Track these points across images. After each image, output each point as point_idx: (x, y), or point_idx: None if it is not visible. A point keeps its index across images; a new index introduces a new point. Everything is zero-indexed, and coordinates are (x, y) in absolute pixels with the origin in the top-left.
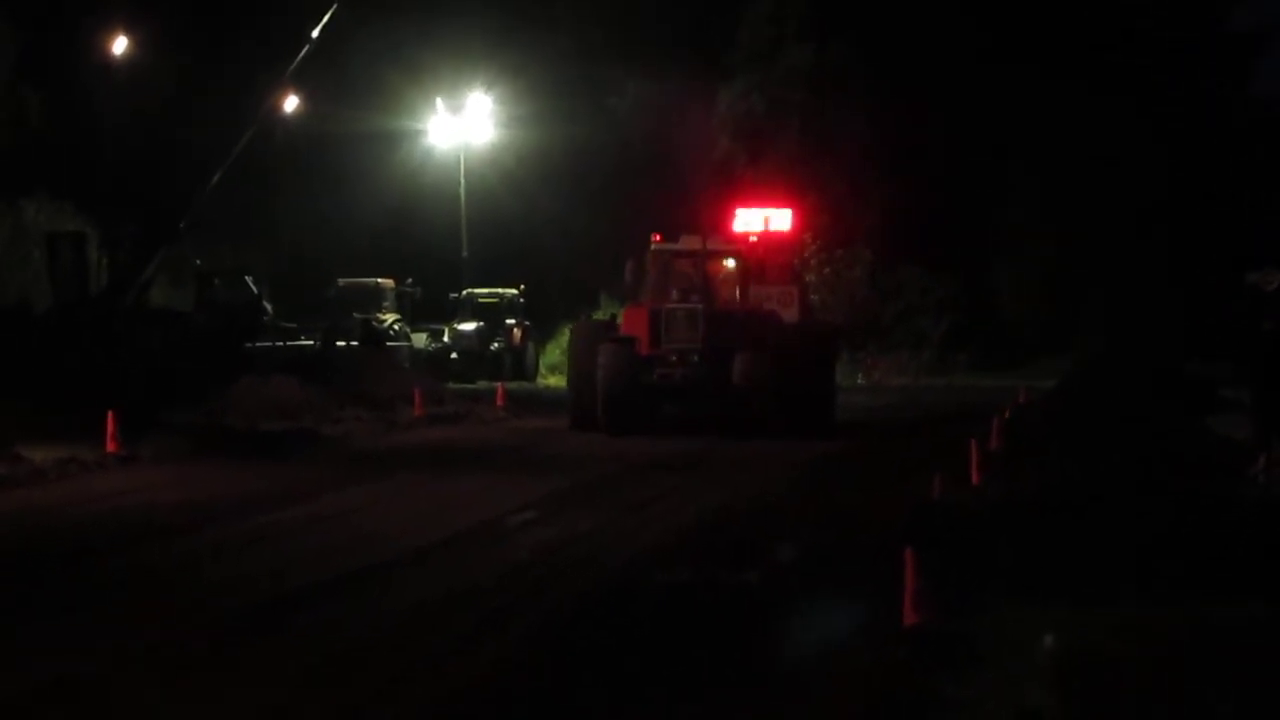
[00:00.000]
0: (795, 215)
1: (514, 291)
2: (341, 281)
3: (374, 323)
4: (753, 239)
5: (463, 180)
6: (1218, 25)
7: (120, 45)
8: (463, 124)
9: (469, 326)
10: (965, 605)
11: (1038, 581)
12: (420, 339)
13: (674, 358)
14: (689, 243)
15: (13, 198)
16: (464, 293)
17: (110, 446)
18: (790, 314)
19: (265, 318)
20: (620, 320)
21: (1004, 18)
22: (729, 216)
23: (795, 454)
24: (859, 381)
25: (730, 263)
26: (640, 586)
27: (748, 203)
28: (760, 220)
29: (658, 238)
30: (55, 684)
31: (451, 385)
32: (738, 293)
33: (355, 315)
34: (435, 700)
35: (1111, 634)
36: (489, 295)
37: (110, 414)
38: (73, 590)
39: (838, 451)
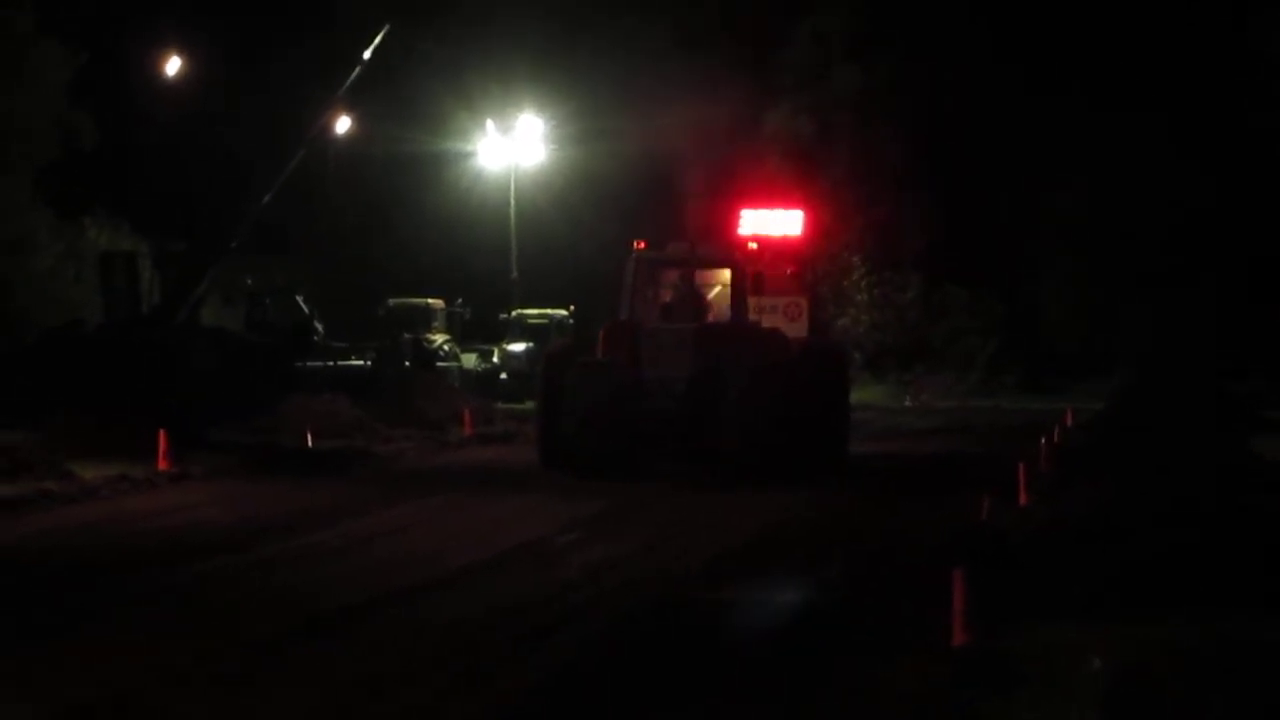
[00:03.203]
0: (807, 218)
1: (563, 312)
2: (392, 301)
3: (424, 343)
4: (752, 245)
5: (513, 201)
6: (1260, 47)
7: (173, 66)
8: (513, 145)
9: (518, 347)
10: (1012, 625)
11: (1084, 602)
12: (470, 359)
13: (656, 386)
14: (676, 250)
15: (68, 216)
16: (513, 313)
17: (161, 464)
18: (798, 329)
19: (316, 337)
20: (599, 341)
21: (1048, 39)
22: (733, 219)
23: (835, 476)
24: (906, 403)
25: (726, 272)
26: (685, 606)
27: (754, 203)
28: (767, 223)
29: (641, 244)
30: (98, 700)
31: (501, 405)
32: (733, 307)
33: (405, 335)
34: (476, 716)
35: (1157, 654)
36: (538, 316)
37: (161, 432)
38: (119, 607)
39: (885, 472)
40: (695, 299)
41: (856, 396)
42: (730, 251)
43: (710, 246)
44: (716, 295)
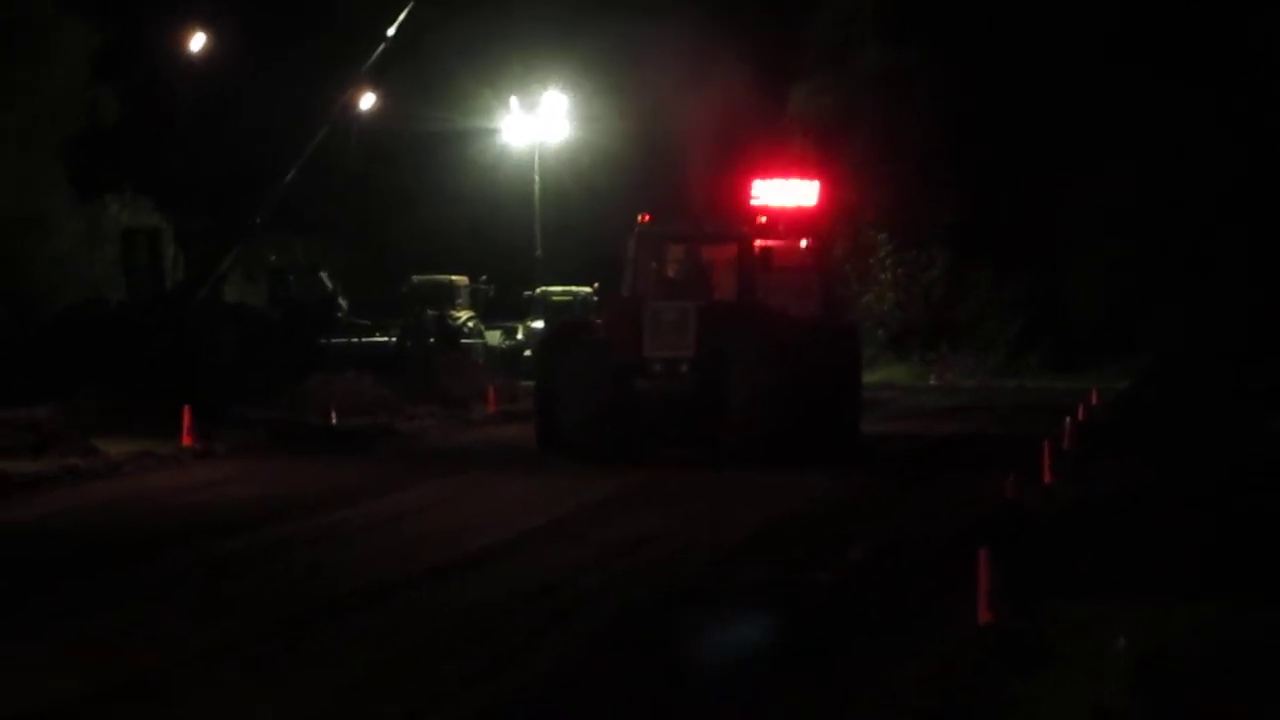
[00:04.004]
0: (822, 189)
1: (587, 290)
2: (416, 279)
3: (448, 320)
4: (762, 219)
5: (537, 178)
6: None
7: (197, 42)
8: (537, 123)
9: (542, 325)
10: (1037, 605)
11: (1109, 582)
12: (494, 336)
13: (658, 366)
14: (681, 223)
15: (91, 194)
16: (537, 291)
17: (185, 440)
18: (809, 307)
19: (339, 314)
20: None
21: (1076, 16)
22: (744, 191)
23: (849, 458)
24: (931, 382)
25: (734, 248)
26: (707, 588)
27: (766, 173)
28: (779, 194)
29: (645, 217)
30: (120, 677)
31: (524, 383)
32: (739, 284)
33: (429, 312)
34: (491, 703)
35: (1182, 635)
36: (562, 293)
37: (186, 408)
38: (141, 583)
39: (908, 452)
40: (701, 275)
41: (880, 375)
42: (737, 225)
43: (716, 220)
44: (724, 270)
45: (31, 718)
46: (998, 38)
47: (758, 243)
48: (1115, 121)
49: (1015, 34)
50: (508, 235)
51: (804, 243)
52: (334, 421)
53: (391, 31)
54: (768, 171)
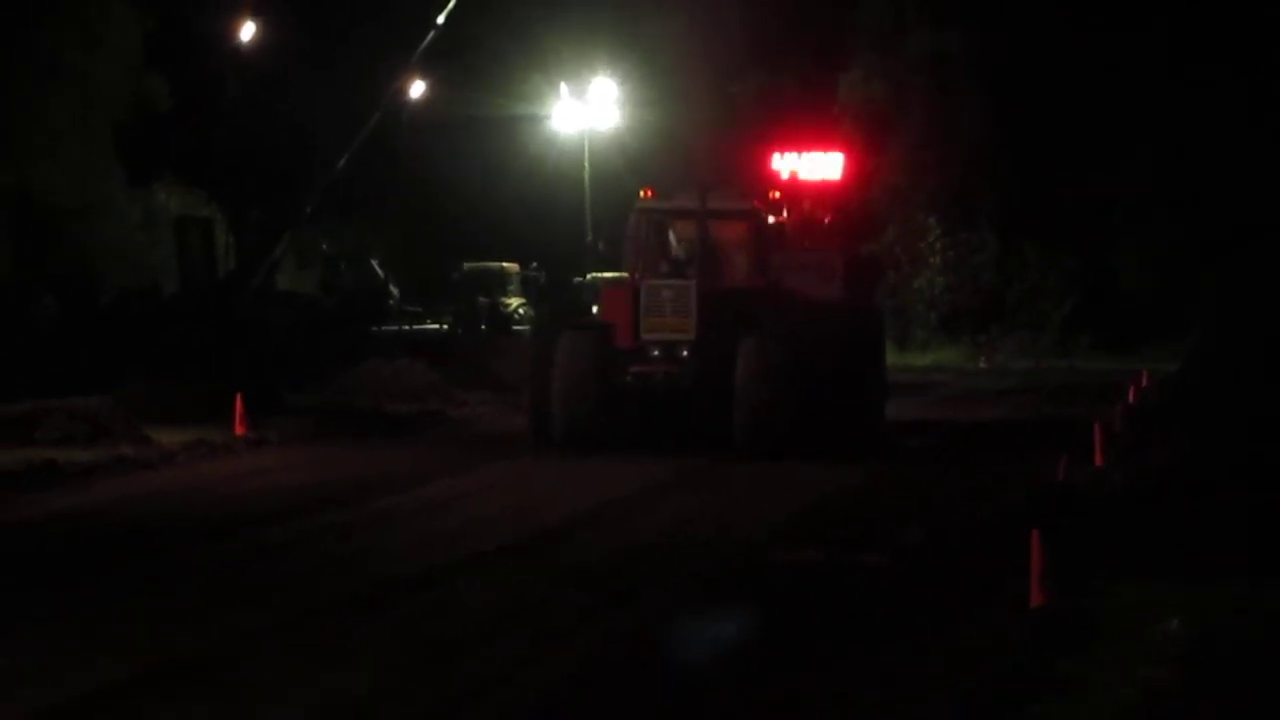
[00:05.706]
0: (847, 162)
1: None
2: (467, 265)
3: (499, 307)
4: (775, 195)
5: (587, 165)
6: None
7: (247, 31)
8: (587, 109)
9: (593, 311)
10: (1089, 585)
11: (1160, 564)
12: None
13: (656, 350)
14: (685, 199)
15: (142, 181)
16: (588, 277)
17: (238, 429)
18: (830, 287)
19: (391, 301)
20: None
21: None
22: (765, 163)
23: (904, 439)
24: (980, 364)
25: (743, 226)
26: (763, 568)
27: (785, 146)
28: (800, 167)
29: (649, 193)
30: (166, 661)
31: None
32: (750, 264)
33: (481, 299)
34: (533, 691)
35: (1233, 615)
36: (613, 280)
37: (238, 396)
38: (191, 571)
39: (956, 435)
40: (708, 254)
41: (931, 359)
42: (744, 200)
43: (723, 195)
44: (734, 250)
45: (83, 699)
46: (1043, 16)
47: (770, 219)
48: (1166, 99)
49: (1061, 11)
50: (559, 222)
51: (825, 220)
52: (385, 408)
53: (441, 19)
54: (788, 145)
